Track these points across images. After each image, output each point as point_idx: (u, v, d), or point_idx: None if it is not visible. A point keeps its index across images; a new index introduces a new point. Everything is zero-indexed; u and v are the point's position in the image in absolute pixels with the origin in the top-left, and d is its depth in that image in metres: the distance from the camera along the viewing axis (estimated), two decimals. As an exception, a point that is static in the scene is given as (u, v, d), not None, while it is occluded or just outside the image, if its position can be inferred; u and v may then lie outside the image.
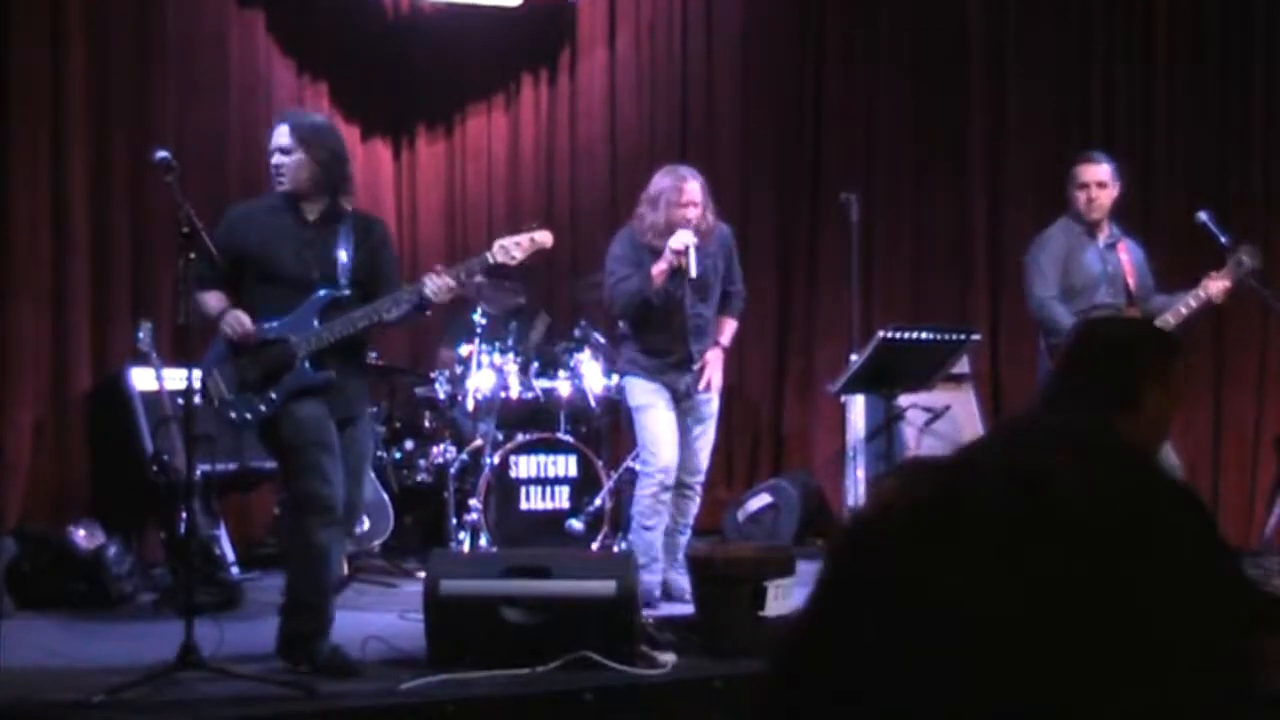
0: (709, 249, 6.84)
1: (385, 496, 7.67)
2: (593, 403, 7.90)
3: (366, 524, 7.52)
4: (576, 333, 8.08)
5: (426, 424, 8.27)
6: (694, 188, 6.76)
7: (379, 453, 7.97)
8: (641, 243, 6.77)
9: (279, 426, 5.58)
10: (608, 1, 9.46)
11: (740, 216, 9.51)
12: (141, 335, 7.26)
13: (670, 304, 6.76)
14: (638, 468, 6.93)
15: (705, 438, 6.94)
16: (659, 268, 6.63)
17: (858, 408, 8.30)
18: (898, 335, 6.61)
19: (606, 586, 5.56)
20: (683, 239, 6.60)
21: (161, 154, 5.55)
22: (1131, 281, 7.07)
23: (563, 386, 7.89)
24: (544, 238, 6.00)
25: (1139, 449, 2.74)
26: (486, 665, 5.35)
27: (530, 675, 5.33)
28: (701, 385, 6.83)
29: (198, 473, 6.25)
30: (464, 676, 5.30)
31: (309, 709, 5.01)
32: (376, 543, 7.65)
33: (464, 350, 7.96)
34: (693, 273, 6.63)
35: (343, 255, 5.67)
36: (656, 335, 6.81)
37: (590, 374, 7.88)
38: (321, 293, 5.64)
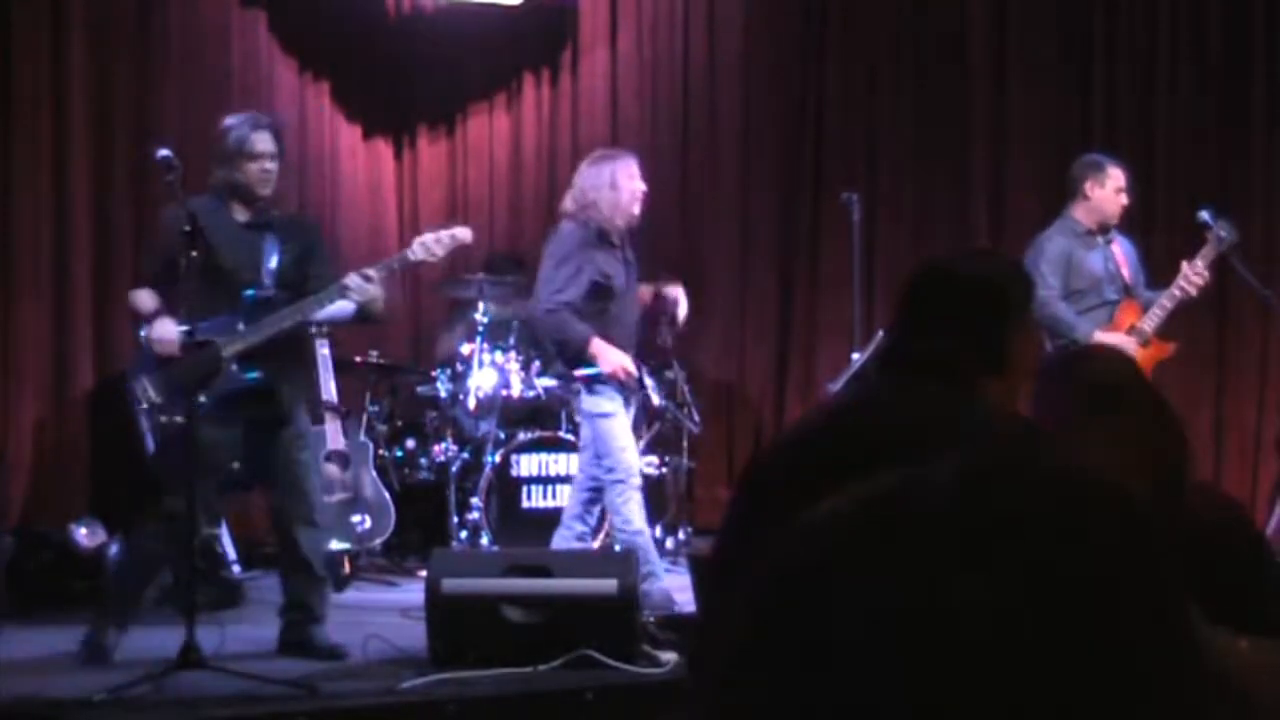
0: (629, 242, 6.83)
1: (386, 495, 7.67)
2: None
3: (368, 522, 7.53)
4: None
5: (428, 422, 8.27)
6: (634, 165, 6.71)
7: (380, 451, 7.98)
8: (601, 228, 6.57)
9: (184, 436, 5.59)
10: (609, 1, 9.46)
11: (740, 216, 9.53)
12: (143, 334, 7.26)
13: (625, 294, 6.72)
14: (607, 478, 6.67)
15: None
16: (602, 360, 6.54)
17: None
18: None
19: (608, 585, 5.56)
20: (621, 361, 6.57)
21: (163, 153, 5.56)
22: (1127, 274, 7.09)
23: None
24: (464, 234, 6.04)
25: (1011, 417, 2.56)
26: (488, 664, 5.35)
27: (531, 674, 5.33)
28: (682, 317, 6.93)
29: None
30: (465, 675, 5.29)
31: (309, 708, 5.01)
32: (378, 541, 7.65)
33: (465, 349, 7.96)
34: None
35: (271, 257, 5.67)
36: (613, 329, 6.66)
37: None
38: (248, 294, 5.65)
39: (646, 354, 8.20)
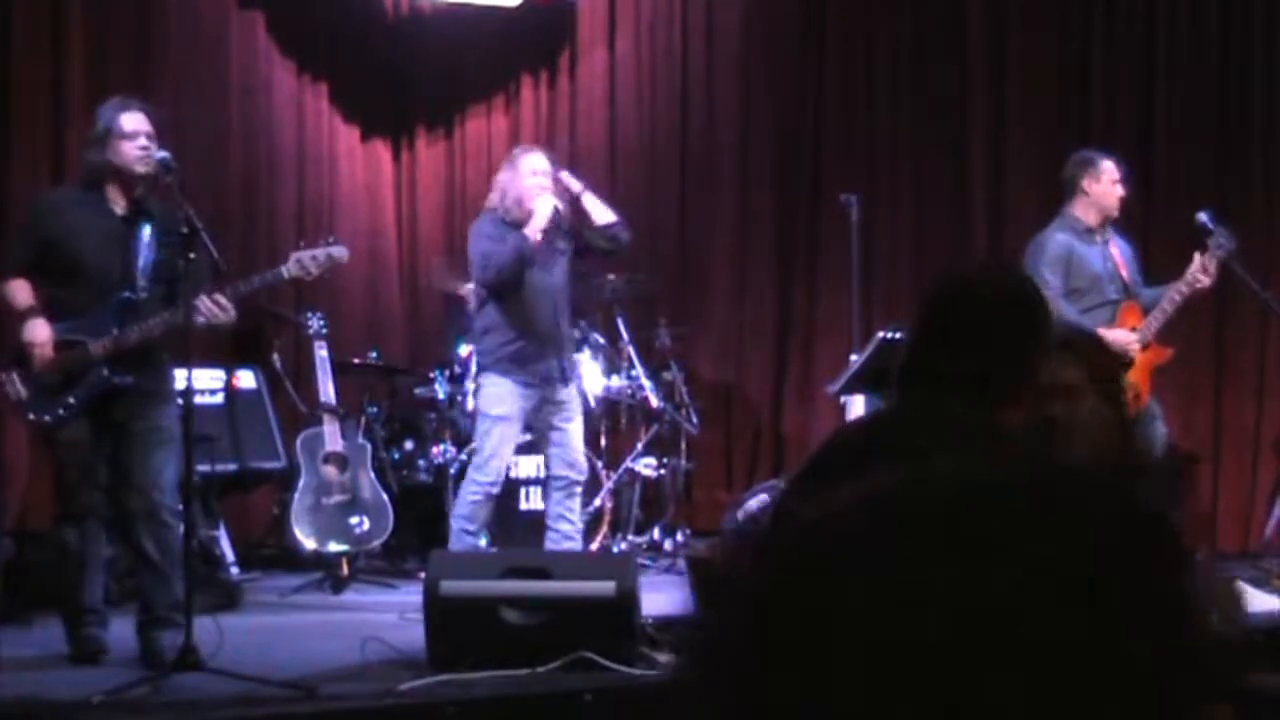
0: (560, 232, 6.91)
1: (384, 497, 7.67)
2: (592, 403, 7.90)
3: (366, 524, 7.53)
4: (576, 334, 8.07)
5: (426, 424, 8.27)
6: (537, 158, 6.89)
7: (379, 452, 7.97)
8: (506, 218, 6.80)
9: (62, 435, 5.59)
10: (607, 1, 9.46)
11: (740, 216, 9.52)
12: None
13: (540, 279, 6.79)
14: (472, 472, 6.88)
15: (575, 429, 6.95)
16: (535, 225, 6.70)
17: (857, 408, 8.29)
18: (898, 336, 6.61)
19: (606, 587, 5.55)
20: (547, 202, 6.71)
21: (161, 154, 5.54)
22: (1125, 275, 7.09)
23: (562, 387, 7.88)
24: (340, 253, 5.96)
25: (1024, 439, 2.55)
26: (486, 666, 5.34)
27: (530, 676, 5.32)
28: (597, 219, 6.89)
29: (197, 473, 6.23)
30: (464, 677, 5.29)
31: (309, 709, 5.01)
32: (376, 543, 7.64)
33: (463, 350, 7.95)
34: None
35: (145, 254, 5.57)
36: (526, 316, 6.78)
37: (590, 375, 7.88)
38: (124, 295, 5.57)
39: (644, 356, 8.22)
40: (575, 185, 7.01)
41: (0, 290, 5.67)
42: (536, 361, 6.79)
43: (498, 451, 6.79)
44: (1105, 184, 7.09)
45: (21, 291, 5.62)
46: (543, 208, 6.72)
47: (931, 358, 2.58)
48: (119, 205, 5.65)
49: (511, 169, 6.90)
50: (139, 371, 5.57)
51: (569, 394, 6.94)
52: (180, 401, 5.54)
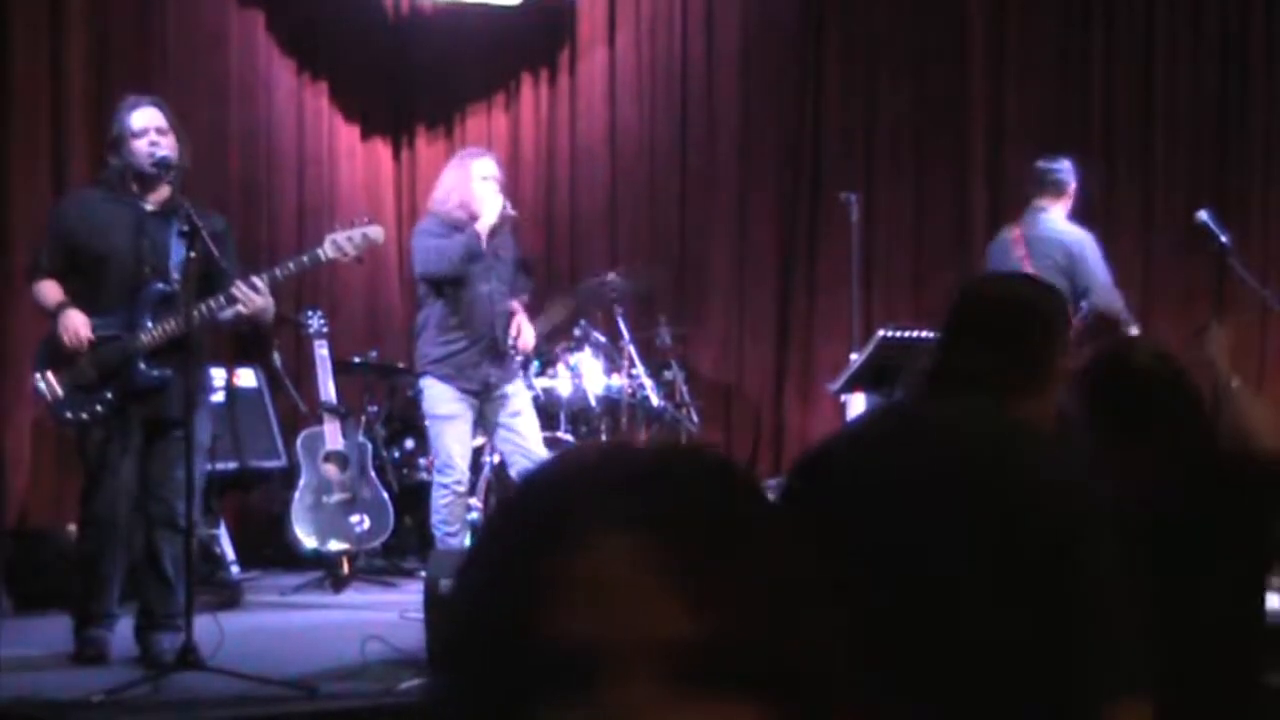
0: (503, 241, 6.91)
1: (385, 496, 7.67)
2: (593, 402, 7.90)
3: (366, 523, 7.53)
4: (576, 332, 8.08)
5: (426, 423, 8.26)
6: (487, 163, 6.89)
7: (379, 452, 7.97)
8: (449, 220, 6.79)
9: (91, 435, 5.51)
10: (607, 1, 9.46)
11: (740, 216, 9.53)
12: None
13: (480, 283, 6.77)
14: (436, 477, 6.90)
15: (525, 424, 6.94)
16: (485, 221, 6.70)
17: (858, 407, 8.30)
18: (898, 335, 6.62)
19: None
20: (497, 200, 6.73)
21: (161, 154, 5.53)
22: None
23: (563, 386, 7.89)
24: (376, 233, 5.90)
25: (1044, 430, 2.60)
26: (486, 665, 5.33)
27: (530, 675, 5.32)
28: (518, 343, 6.84)
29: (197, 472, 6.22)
30: (464, 676, 5.28)
31: (309, 709, 5.00)
32: (376, 542, 7.64)
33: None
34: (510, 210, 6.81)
35: (178, 249, 5.49)
36: (465, 318, 6.77)
37: (590, 373, 7.88)
38: (155, 287, 5.52)
39: (645, 355, 8.23)
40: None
41: (32, 292, 5.65)
42: (472, 368, 6.78)
43: (452, 450, 6.80)
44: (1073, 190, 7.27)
45: (51, 290, 5.58)
46: (492, 206, 6.73)
47: (954, 360, 2.67)
48: (147, 201, 5.61)
49: (461, 171, 6.88)
50: (176, 367, 5.45)
51: (513, 389, 6.92)
52: (212, 401, 5.50)
